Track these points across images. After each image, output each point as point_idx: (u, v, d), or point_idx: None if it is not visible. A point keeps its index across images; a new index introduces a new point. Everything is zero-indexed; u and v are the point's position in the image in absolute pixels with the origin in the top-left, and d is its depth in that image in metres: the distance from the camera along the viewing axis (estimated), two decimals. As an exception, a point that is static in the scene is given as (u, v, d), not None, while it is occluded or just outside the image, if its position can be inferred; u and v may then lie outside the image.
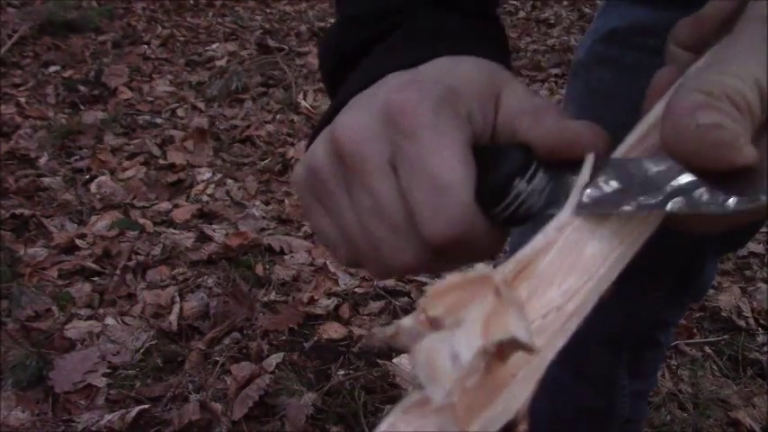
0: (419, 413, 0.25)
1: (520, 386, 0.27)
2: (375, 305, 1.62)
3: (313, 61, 3.09)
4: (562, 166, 0.32)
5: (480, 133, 0.34)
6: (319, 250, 1.81)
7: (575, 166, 0.31)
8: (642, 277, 0.69)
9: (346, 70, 0.40)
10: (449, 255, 0.33)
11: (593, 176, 0.31)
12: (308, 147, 0.37)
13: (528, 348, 0.25)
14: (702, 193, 0.28)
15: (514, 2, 3.82)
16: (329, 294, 1.64)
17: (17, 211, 1.93)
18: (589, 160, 0.31)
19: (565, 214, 0.30)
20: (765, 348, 1.49)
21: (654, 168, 0.30)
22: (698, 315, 1.60)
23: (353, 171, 0.33)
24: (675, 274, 0.70)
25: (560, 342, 0.28)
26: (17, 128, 2.44)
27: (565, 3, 3.85)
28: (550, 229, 0.30)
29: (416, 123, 0.32)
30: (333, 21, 0.44)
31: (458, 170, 0.31)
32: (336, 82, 0.41)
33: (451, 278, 0.23)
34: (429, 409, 0.25)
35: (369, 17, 0.40)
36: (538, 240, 0.29)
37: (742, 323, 1.55)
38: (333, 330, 1.52)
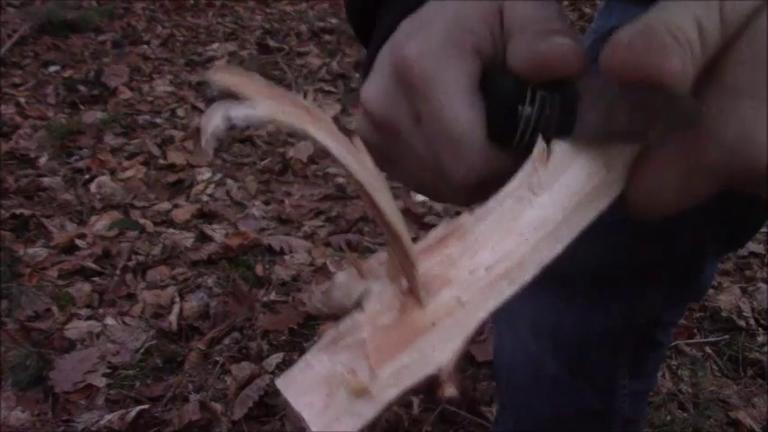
0: (332, 350, 0.25)
1: (441, 337, 0.26)
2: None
3: (313, 61, 3.09)
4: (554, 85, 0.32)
5: (493, 55, 0.34)
6: (319, 250, 1.81)
7: (565, 83, 0.32)
8: (642, 277, 0.69)
9: (373, 12, 0.41)
10: (490, 189, 0.34)
11: (544, 151, 0.32)
12: (360, 82, 0.39)
13: (356, 182, 0.24)
14: (631, 116, 0.29)
15: (514, 2, 3.82)
16: (329, 294, 1.64)
17: (17, 211, 1.93)
18: (536, 146, 0.32)
19: (509, 186, 0.31)
20: (766, 348, 1.49)
21: (600, 95, 0.30)
22: (698, 315, 1.59)
23: (390, 133, 0.36)
24: (675, 274, 0.70)
25: (492, 302, 0.28)
26: (17, 128, 2.44)
27: (565, 3, 3.85)
28: (492, 200, 0.31)
29: (421, 80, 0.33)
30: None
31: (464, 119, 0.32)
32: (366, 26, 0.42)
33: (262, 80, 0.23)
34: (341, 345, 0.25)
35: None
36: (479, 210, 0.30)
37: (742, 323, 1.55)
38: (333, 330, 1.52)
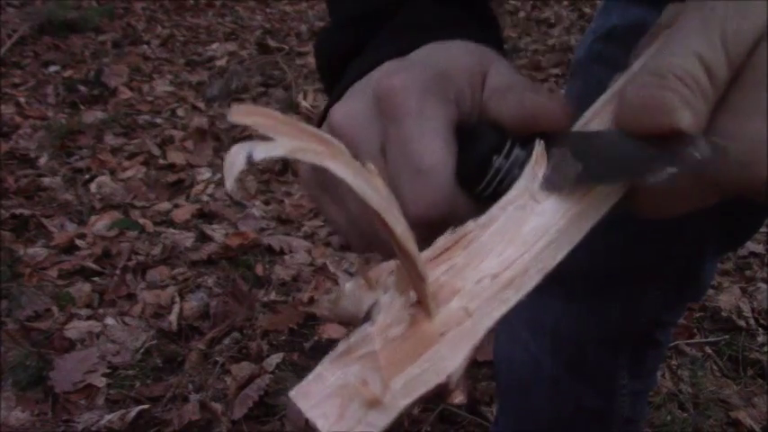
0: (344, 362, 0.26)
1: (450, 347, 0.27)
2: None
3: (313, 61, 3.09)
4: (536, 138, 0.33)
5: (469, 112, 0.35)
6: (319, 250, 1.81)
7: (549, 138, 0.33)
8: (642, 277, 0.69)
9: (342, 68, 0.41)
10: (439, 230, 0.34)
11: (550, 152, 0.32)
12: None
13: (372, 210, 0.24)
14: (639, 160, 0.29)
15: (514, 2, 3.82)
16: (329, 294, 1.64)
17: (17, 211, 1.93)
18: (538, 145, 0.32)
19: (511, 194, 0.31)
20: (766, 348, 1.49)
21: (603, 141, 0.31)
22: (698, 315, 1.59)
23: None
24: (675, 274, 0.70)
25: (498, 311, 0.28)
26: (17, 128, 2.44)
27: (565, 3, 3.85)
28: (495, 207, 0.31)
29: (402, 109, 0.33)
30: (326, 23, 0.45)
31: (437, 154, 0.33)
32: (334, 81, 0.42)
33: (276, 113, 0.23)
34: (352, 358, 0.26)
35: (361, 17, 0.41)
36: (481, 218, 0.31)
37: (742, 323, 1.55)
38: (333, 330, 1.52)
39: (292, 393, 0.25)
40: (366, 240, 0.38)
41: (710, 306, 1.60)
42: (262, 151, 0.22)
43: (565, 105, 0.33)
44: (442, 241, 0.30)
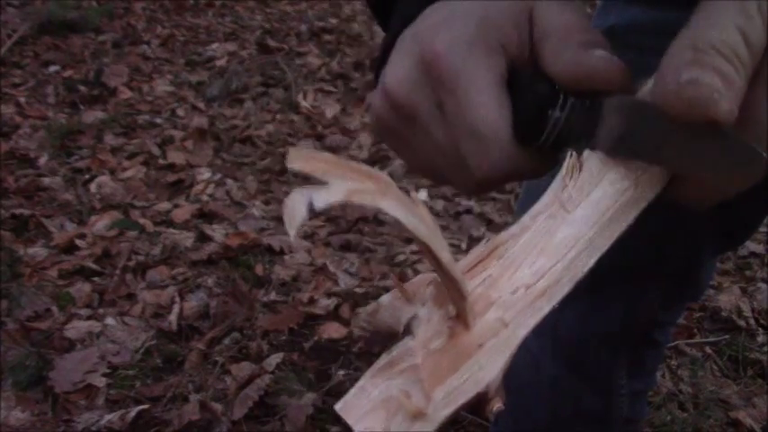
0: (386, 375, 0.27)
1: (488, 357, 0.27)
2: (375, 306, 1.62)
3: (313, 61, 3.09)
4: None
5: (518, 55, 0.35)
6: (319, 250, 1.81)
7: (601, 97, 0.32)
8: (641, 277, 0.69)
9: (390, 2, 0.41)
10: (505, 183, 0.35)
11: (576, 165, 0.33)
12: (375, 72, 0.40)
13: (419, 241, 0.25)
14: (682, 149, 0.30)
15: (514, 2, 3.82)
16: (329, 294, 1.64)
17: (17, 211, 1.93)
18: (567, 160, 0.33)
19: (541, 203, 0.32)
20: (766, 348, 1.49)
21: (648, 120, 0.31)
22: (698, 315, 1.59)
23: (410, 120, 0.36)
24: (674, 274, 0.70)
25: (532, 320, 0.30)
26: (17, 128, 2.44)
27: (565, 2, 3.85)
28: (526, 217, 0.32)
29: (449, 73, 0.33)
30: None
31: (492, 118, 0.33)
32: (385, 7, 0.42)
33: (326, 155, 0.24)
34: (395, 371, 0.26)
35: None
36: (513, 227, 0.31)
37: (742, 323, 1.55)
38: (333, 330, 1.52)
39: (338, 407, 0.26)
40: (436, 179, 0.40)
41: (710, 306, 1.60)
42: (322, 200, 0.22)
43: (622, 67, 0.33)
44: (476, 252, 0.30)
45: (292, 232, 0.22)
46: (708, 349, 1.50)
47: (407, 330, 0.27)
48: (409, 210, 0.24)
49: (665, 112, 0.29)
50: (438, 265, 0.26)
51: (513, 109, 0.34)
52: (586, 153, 0.33)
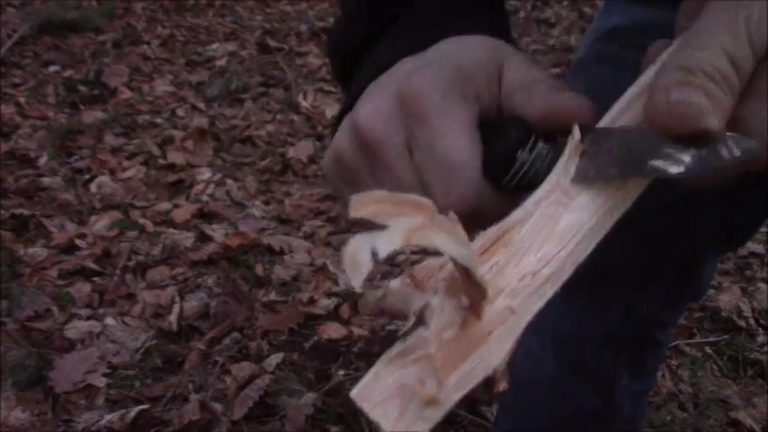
0: (400, 364, 0.28)
1: (496, 343, 0.29)
2: (375, 306, 1.62)
3: (313, 61, 3.09)
4: (558, 136, 0.35)
5: (487, 108, 0.37)
6: (319, 250, 1.81)
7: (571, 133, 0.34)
8: (642, 277, 0.69)
9: (357, 61, 0.42)
10: (466, 225, 0.35)
11: (578, 148, 0.33)
12: (332, 134, 0.40)
13: (470, 278, 0.26)
14: (672, 155, 0.31)
15: (514, 2, 3.82)
16: (329, 294, 1.64)
17: (17, 211, 1.93)
18: (570, 143, 0.34)
19: (543, 189, 0.33)
20: (766, 348, 1.49)
21: (634, 137, 0.32)
22: (698, 315, 1.59)
23: (375, 155, 0.37)
24: (675, 274, 0.70)
25: (537, 305, 0.30)
26: (17, 128, 2.44)
27: (565, 3, 3.85)
28: (529, 203, 0.33)
29: (427, 109, 0.35)
30: (336, 16, 0.46)
31: (464, 150, 0.34)
32: (347, 73, 0.43)
33: (380, 193, 0.24)
34: (409, 360, 0.28)
35: (374, 9, 0.42)
36: (517, 213, 0.32)
37: (742, 323, 1.55)
38: (333, 330, 1.52)
39: (353, 393, 0.27)
40: None
41: (710, 306, 1.60)
42: (385, 247, 0.23)
43: (590, 103, 0.35)
44: (483, 239, 0.31)
45: (358, 284, 0.22)
46: (708, 349, 1.50)
47: (419, 319, 0.28)
48: (453, 235, 0.25)
49: (658, 128, 0.30)
50: (467, 277, 0.27)
51: (483, 149, 0.35)
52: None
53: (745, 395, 1.38)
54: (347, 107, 0.40)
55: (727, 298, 1.62)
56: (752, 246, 1.77)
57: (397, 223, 0.23)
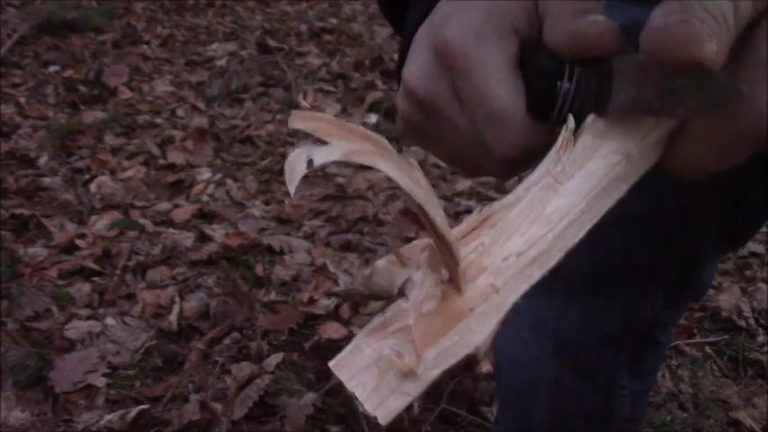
0: (380, 335, 0.28)
1: (478, 321, 0.29)
2: (375, 305, 1.62)
3: (313, 61, 3.09)
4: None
5: (529, 36, 0.36)
6: (319, 250, 1.81)
7: (600, 62, 0.33)
8: (642, 277, 0.69)
9: (406, 4, 0.42)
10: (529, 162, 0.36)
11: (570, 137, 0.33)
12: (396, 75, 0.41)
13: (413, 203, 0.26)
14: (672, 93, 0.30)
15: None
16: (329, 294, 1.64)
17: (17, 211, 1.93)
18: (562, 132, 0.34)
19: (534, 175, 0.33)
20: (766, 348, 1.49)
21: (638, 75, 0.32)
22: (698, 315, 1.59)
23: (431, 112, 0.37)
24: (675, 274, 0.70)
25: (522, 286, 0.30)
26: (17, 128, 2.44)
27: (565, 3, 3.85)
28: (520, 188, 0.33)
29: (462, 61, 0.35)
30: None
31: (506, 97, 0.34)
32: (399, 13, 0.44)
33: (328, 116, 0.25)
34: (388, 331, 0.28)
35: None
36: (507, 197, 0.33)
37: (742, 323, 1.55)
38: (333, 330, 1.52)
39: (331, 364, 0.28)
40: (465, 169, 0.41)
41: (710, 306, 1.60)
42: (321, 156, 0.23)
43: (612, 30, 0.33)
44: (470, 220, 0.32)
45: (292, 188, 0.22)
46: (708, 349, 1.50)
47: (401, 293, 0.28)
48: (406, 172, 0.25)
49: (655, 57, 0.29)
50: (432, 229, 0.27)
51: (525, 87, 0.35)
52: (584, 124, 0.34)
53: (745, 395, 1.38)
54: (402, 55, 0.41)
55: (727, 298, 1.62)
56: (752, 246, 1.77)
57: (340, 142, 0.24)
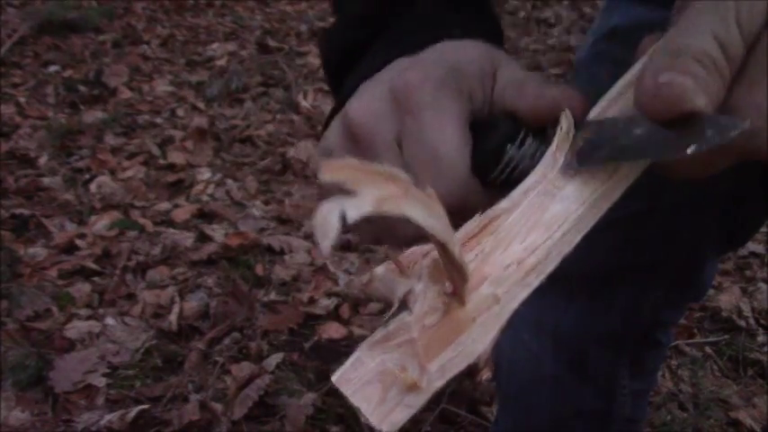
0: (383, 348, 0.28)
1: (480, 331, 0.29)
2: (375, 305, 1.62)
3: (313, 61, 3.09)
4: (548, 129, 0.35)
5: (480, 108, 0.37)
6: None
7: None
8: (642, 277, 0.69)
9: (350, 66, 0.42)
10: (453, 218, 0.35)
11: (566, 138, 0.34)
12: (322, 133, 0.41)
13: (443, 246, 0.26)
14: (662, 140, 0.30)
15: (514, 2, 3.82)
16: (329, 294, 1.64)
17: (17, 211, 1.93)
18: (558, 133, 0.34)
19: (531, 179, 0.33)
20: (766, 348, 1.49)
21: (623, 125, 0.32)
22: (698, 315, 1.59)
23: (364, 148, 0.37)
24: (675, 274, 0.70)
25: (522, 293, 0.30)
26: (17, 128, 2.44)
27: (565, 3, 3.85)
28: (516, 193, 0.33)
29: (418, 102, 0.35)
30: (331, 20, 0.47)
31: (454, 144, 0.35)
32: (341, 78, 0.43)
33: (352, 160, 0.24)
34: (392, 345, 0.28)
35: (369, 15, 0.42)
36: (504, 202, 0.32)
37: (742, 323, 1.55)
38: (333, 330, 1.52)
39: (334, 378, 0.27)
40: (376, 236, 0.40)
41: (710, 306, 1.60)
42: (354, 210, 0.22)
43: (581, 96, 0.35)
44: (469, 226, 0.32)
45: (326, 247, 0.22)
46: (708, 349, 1.50)
47: (403, 305, 0.28)
48: (428, 209, 0.25)
49: (647, 113, 0.30)
50: (446, 256, 0.27)
51: (473, 145, 0.36)
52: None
53: (745, 395, 1.38)
54: (338, 107, 0.40)
55: (727, 298, 1.62)
56: (752, 246, 1.77)
57: (368, 190, 0.23)
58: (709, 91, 0.29)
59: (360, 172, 0.24)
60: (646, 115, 0.30)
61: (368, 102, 0.37)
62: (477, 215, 0.32)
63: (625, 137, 0.32)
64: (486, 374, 0.29)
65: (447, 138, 0.35)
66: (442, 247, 0.26)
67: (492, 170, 0.35)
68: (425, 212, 0.25)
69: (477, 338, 0.28)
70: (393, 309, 0.28)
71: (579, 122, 0.34)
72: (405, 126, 0.36)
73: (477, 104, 0.37)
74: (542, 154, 0.34)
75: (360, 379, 0.27)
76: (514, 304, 0.30)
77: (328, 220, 0.22)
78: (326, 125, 0.41)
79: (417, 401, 0.27)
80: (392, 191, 0.24)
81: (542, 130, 0.35)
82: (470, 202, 0.35)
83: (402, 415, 0.27)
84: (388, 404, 0.27)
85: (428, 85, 0.35)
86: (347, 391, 0.27)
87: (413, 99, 0.35)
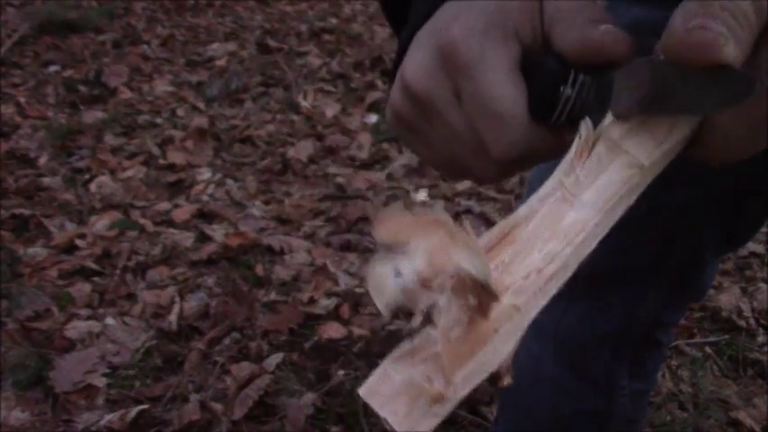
0: (408, 362, 0.28)
1: (502, 340, 0.29)
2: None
3: (313, 61, 3.09)
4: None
5: (531, 44, 0.36)
6: (319, 250, 1.81)
7: (609, 68, 0.34)
8: (642, 278, 0.69)
9: (407, 7, 0.43)
10: (523, 165, 0.37)
11: (585, 145, 0.34)
12: (389, 85, 0.42)
13: (485, 287, 0.27)
14: (706, 94, 0.30)
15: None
16: (329, 294, 1.64)
17: (17, 211, 1.93)
18: (576, 141, 0.34)
19: (547, 187, 0.33)
20: (766, 348, 1.49)
21: (665, 69, 0.31)
22: (698, 315, 1.59)
23: (426, 108, 0.38)
24: (675, 275, 0.70)
25: (541, 302, 0.31)
26: (17, 128, 2.44)
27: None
28: (534, 199, 0.33)
29: (466, 60, 0.35)
30: None
31: (508, 98, 0.35)
32: (399, 19, 0.44)
33: (401, 215, 0.25)
34: (417, 358, 0.28)
35: None
36: (522, 210, 0.33)
37: (742, 323, 1.55)
38: (333, 330, 1.52)
39: (361, 391, 0.28)
40: (452, 172, 0.41)
41: (710, 306, 1.60)
42: (408, 268, 0.23)
43: (626, 38, 0.34)
44: (488, 236, 0.32)
45: (383, 305, 0.22)
46: (708, 349, 1.50)
47: (427, 319, 0.28)
48: (472, 251, 0.26)
49: (674, 59, 0.29)
50: (483, 288, 0.28)
51: (527, 89, 0.35)
52: (597, 130, 0.34)
53: (745, 395, 1.38)
54: (400, 54, 0.41)
55: (727, 298, 1.62)
56: (752, 246, 1.77)
57: (418, 244, 0.24)
58: (740, 42, 0.28)
59: (409, 225, 0.25)
60: (673, 63, 0.30)
61: (419, 64, 0.37)
62: (498, 224, 0.32)
63: (667, 83, 0.31)
64: (507, 380, 0.29)
65: (500, 93, 0.34)
66: (481, 284, 0.27)
67: (551, 113, 0.35)
68: (471, 257, 0.26)
69: (498, 348, 0.29)
70: (416, 321, 0.28)
71: (621, 64, 0.33)
72: (458, 85, 0.36)
73: (527, 40, 0.36)
74: (599, 88, 0.34)
75: (387, 392, 0.28)
76: (534, 312, 0.30)
77: (385, 279, 0.23)
78: (394, 67, 0.41)
79: (443, 411, 0.28)
80: (439, 240, 0.25)
81: (595, 67, 0.35)
82: (537, 148, 0.35)
83: (429, 424, 0.27)
84: (416, 416, 0.27)
85: (472, 39, 0.35)
86: (375, 404, 0.28)
87: (459, 58, 0.35)
